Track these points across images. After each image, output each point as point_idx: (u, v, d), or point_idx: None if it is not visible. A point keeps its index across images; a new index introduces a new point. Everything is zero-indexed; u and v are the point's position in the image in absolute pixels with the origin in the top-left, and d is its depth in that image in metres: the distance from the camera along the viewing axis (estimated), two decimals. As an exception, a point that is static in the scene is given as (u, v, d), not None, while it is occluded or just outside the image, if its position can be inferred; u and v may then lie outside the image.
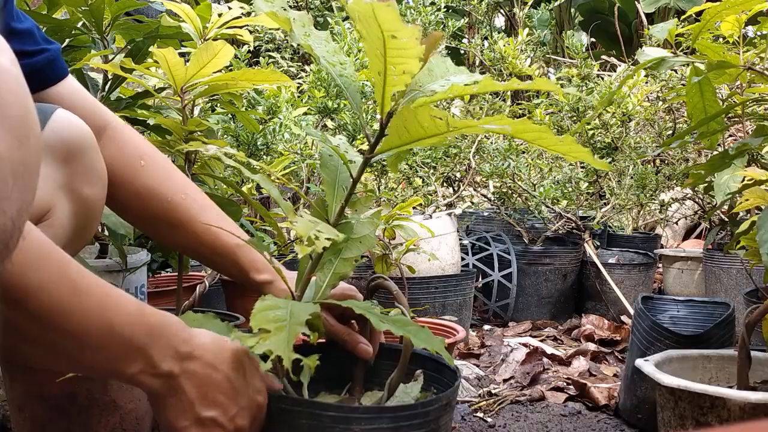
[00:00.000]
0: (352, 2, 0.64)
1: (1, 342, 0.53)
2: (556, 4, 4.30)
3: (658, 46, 2.58)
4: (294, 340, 0.67)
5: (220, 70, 1.18)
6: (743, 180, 1.50)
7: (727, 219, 2.35)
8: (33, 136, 0.44)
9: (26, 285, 0.53)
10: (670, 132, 2.74)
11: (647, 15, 4.94)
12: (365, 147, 0.85)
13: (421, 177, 2.54)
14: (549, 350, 1.97)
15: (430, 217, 2.16)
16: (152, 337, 0.64)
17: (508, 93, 2.84)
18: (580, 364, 1.87)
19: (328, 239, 0.70)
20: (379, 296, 0.99)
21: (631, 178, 2.64)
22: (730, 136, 3.10)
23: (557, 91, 0.75)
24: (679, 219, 3.34)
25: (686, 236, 3.75)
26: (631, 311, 2.21)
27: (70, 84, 0.93)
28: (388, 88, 0.73)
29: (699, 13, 1.31)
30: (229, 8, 1.35)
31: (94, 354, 0.60)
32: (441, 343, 0.77)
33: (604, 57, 4.52)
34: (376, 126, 0.78)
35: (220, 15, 1.35)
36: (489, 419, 1.47)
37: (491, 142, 2.68)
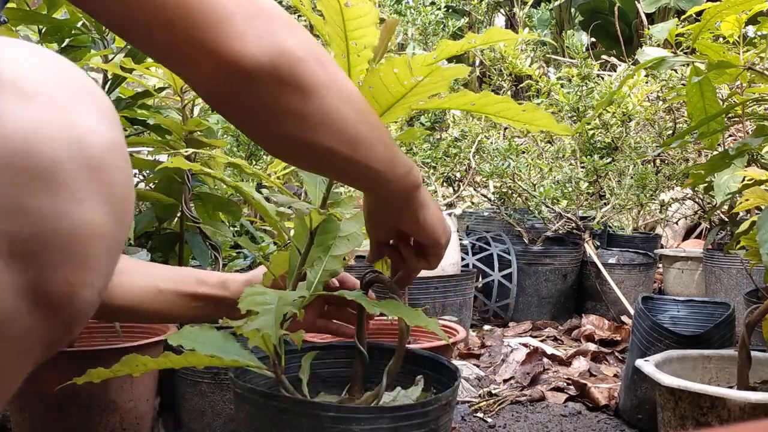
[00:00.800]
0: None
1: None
2: (556, 3, 4.30)
3: (658, 45, 2.58)
4: (281, 319, 0.70)
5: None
6: (743, 180, 1.50)
7: (727, 219, 2.35)
8: (129, 216, 0.46)
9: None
10: (671, 132, 2.74)
11: (647, 15, 4.94)
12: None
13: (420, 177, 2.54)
14: (549, 350, 1.97)
15: (430, 217, 2.15)
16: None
17: (508, 92, 2.83)
18: (581, 364, 1.87)
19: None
20: (376, 292, 0.99)
21: (631, 178, 2.64)
22: (730, 136, 3.10)
23: (513, 38, 0.76)
24: (679, 219, 3.34)
25: (686, 236, 3.75)
26: (632, 311, 2.21)
27: None
28: (354, 70, 0.74)
29: (699, 13, 1.31)
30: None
31: (380, 151, 0.67)
32: (435, 323, 0.78)
33: (604, 57, 4.52)
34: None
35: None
36: (489, 419, 1.47)
37: (491, 142, 2.68)
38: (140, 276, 0.90)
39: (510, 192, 2.72)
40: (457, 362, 1.82)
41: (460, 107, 0.78)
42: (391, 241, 0.86)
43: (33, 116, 0.40)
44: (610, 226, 3.06)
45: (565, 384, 1.70)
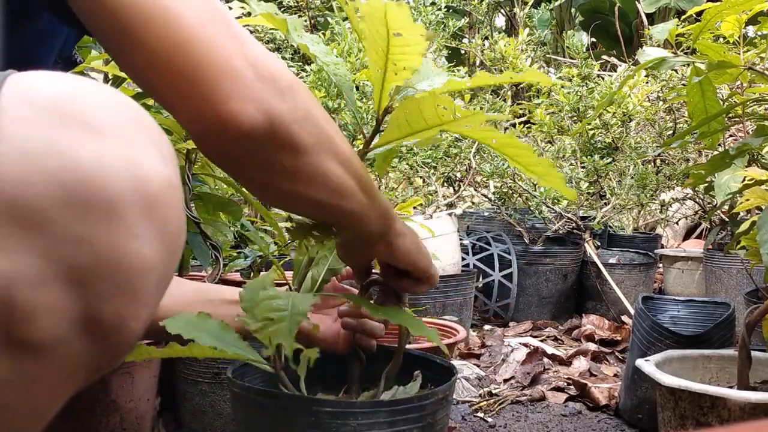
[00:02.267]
0: (364, 1, 0.65)
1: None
2: (557, 4, 4.30)
3: (659, 46, 2.58)
4: (296, 329, 0.71)
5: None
6: (744, 180, 1.50)
7: (727, 219, 2.35)
8: (179, 252, 0.48)
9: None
10: (671, 132, 2.74)
11: (647, 15, 4.94)
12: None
13: (421, 177, 2.54)
14: (549, 350, 1.97)
15: (431, 217, 2.15)
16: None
17: (508, 93, 2.83)
18: (581, 364, 1.87)
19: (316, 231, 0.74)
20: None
21: (632, 178, 2.64)
22: (731, 136, 3.10)
23: (548, 82, 0.77)
24: (679, 219, 3.34)
25: (687, 236, 3.75)
26: (632, 311, 2.21)
27: None
28: (387, 84, 0.75)
29: (699, 13, 1.31)
30: (230, 8, 1.35)
31: (363, 202, 0.71)
32: (434, 333, 0.79)
33: (604, 57, 4.52)
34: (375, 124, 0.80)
35: (220, 15, 1.34)
36: (489, 419, 1.47)
37: (492, 142, 2.67)
38: (188, 293, 0.91)
39: (510, 192, 2.72)
40: (457, 362, 1.82)
41: (481, 139, 0.80)
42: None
43: (99, 151, 0.42)
44: (610, 226, 3.06)
45: (565, 384, 1.70)
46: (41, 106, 0.42)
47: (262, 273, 1.27)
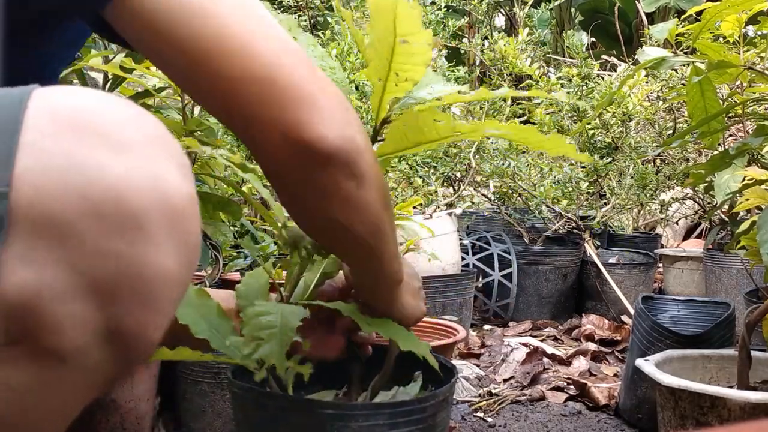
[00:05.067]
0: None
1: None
2: (557, 3, 4.29)
3: (659, 45, 2.57)
4: (287, 347, 0.70)
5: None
6: (743, 180, 1.50)
7: (727, 219, 2.35)
8: (196, 264, 0.49)
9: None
10: (671, 132, 2.74)
11: (647, 14, 4.94)
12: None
13: (421, 177, 2.54)
14: (549, 350, 1.97)
15: (431, 216, 2.15)
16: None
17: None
18: (581, 363, 1.87)
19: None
20: None
21: (632, 177, 2.64)
22: (731, 135, 3.10)
23: (550, 98, 0.77)
24: (679, 219, 3.34)
25: (686, 236, 3.75)
26: (632, 311, 2.21)
27: None
28: (387, 95, 0.74)
29: (699, 13, 1.31)
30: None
31: (390, 246, 0.74)
32: (426, 348, 0.79)
33: (604, 57, 4.51)
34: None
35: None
36: (489, 419, 1.47)
37: (492, 142, 2.68)
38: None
39: (510, 192, 2.72)
40: (457, 362, 1.82)
41: (498, 136, 0.80)
42: None
43: (125, 167, 0.43)
44: (610, 226, 3.05)
45: (565, 384, 1.70)
46: (67, 121, 0.43)
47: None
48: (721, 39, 1.59)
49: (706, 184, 1.99)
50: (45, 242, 0.41)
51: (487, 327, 2.38)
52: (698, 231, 3.70)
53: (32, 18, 0.62)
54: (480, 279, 2.47)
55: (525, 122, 3.09)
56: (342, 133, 0.60)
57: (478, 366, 1.84)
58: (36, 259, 0.41)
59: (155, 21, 0.57)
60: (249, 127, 0.61)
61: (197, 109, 1.53)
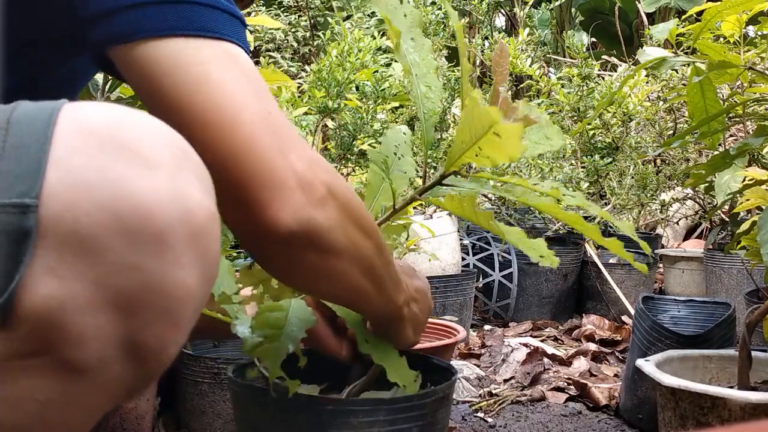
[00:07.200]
0: (469, 101, 0.66)
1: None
2: (557, 3, 4.30)
3: (659, 46, 2.57)
4: (284, 356, 0.74)
5: (220, 70, 1.18)
6: (744, 180, 1.50)
7: (727, 219, 2.35)
8: (215, 280, 0.50)
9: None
10: (671, 132, 2.74)
11: (648, 15, 4.94)
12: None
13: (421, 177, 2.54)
14: (549, 350, 1.97)
15: (431, 217, 2.15)
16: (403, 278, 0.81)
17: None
18: (581, 364, 1.87)
19: None
20: None
21: (632, 178, 2.64)
22: (731, 136, 3.10)
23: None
24: (679, 219, 3.34)
25: (687, 236, 3.75)
26: (632, 311, 2.21)
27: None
28: (464, 158, 0.74)
29: (699, 13, 1.31)
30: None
31: (381, 297, 0.75)
32: (410, 377, 0.80)
33: (604, 57, 4.52)
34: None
35: (220, 15, 1.34)
36: (489, 419, 1.47)
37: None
38: None
39: (510, 192, 2.71)
40: (457, 362, 1.82)
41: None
42: None
43: (153, 184, 0.44)
44: (610, 226, 3.05)
45: (565, 384, 1.70)
46: (96, 137, 0.44)
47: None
48: (721, 39, 1.59)
49: (706, 185, 1.99)
50: (71, 256, 0.42)
51: (487, 327, 2.38)
52: (699, 231, 3.70)
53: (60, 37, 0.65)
54: (480, 279, 2.47)
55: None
56: (296, 216, 0.61)
57: (478, 366, 1.84)
58: (62, 272, 0.42)
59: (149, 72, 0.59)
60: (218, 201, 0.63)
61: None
